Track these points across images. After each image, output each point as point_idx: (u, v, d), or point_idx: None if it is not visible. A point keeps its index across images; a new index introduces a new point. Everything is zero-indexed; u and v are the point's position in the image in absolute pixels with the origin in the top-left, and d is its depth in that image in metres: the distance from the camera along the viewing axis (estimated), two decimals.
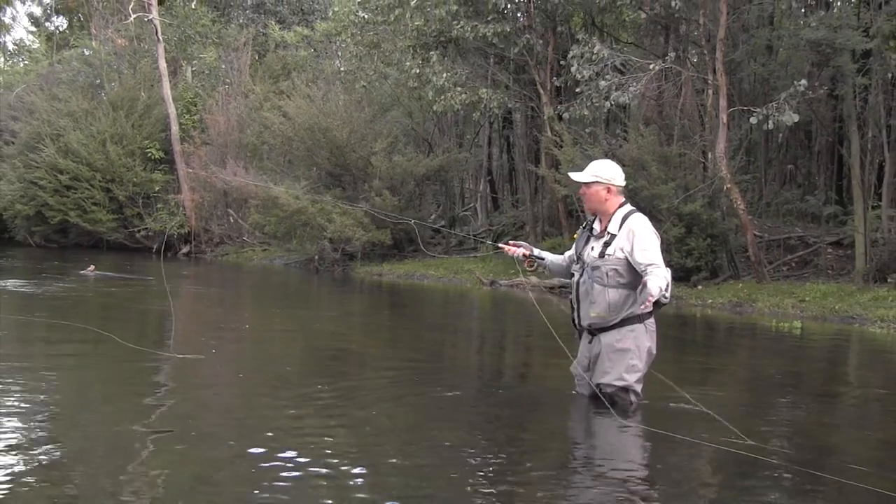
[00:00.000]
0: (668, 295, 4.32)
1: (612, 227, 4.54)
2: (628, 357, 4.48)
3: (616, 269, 4.47)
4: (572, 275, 4.75)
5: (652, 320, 4.56)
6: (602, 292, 4.48)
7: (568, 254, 4.94)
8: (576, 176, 4.73)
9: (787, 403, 5.20)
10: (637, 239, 4.42)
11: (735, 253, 13.70)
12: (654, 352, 4.57)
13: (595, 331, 4.59)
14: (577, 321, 4.71)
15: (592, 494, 3.29)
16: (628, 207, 4.62)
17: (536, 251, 4.99)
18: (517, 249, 4.96)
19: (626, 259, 4.44)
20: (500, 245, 5.13)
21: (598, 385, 4.57)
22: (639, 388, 4.53)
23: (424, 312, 11.68)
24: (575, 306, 4.67)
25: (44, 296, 11.08)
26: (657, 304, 4.30)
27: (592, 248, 4.59)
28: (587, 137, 14.71)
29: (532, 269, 5.04)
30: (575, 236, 4.92)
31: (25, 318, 8.29)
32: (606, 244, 4.51)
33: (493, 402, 5.00)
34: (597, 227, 4.68)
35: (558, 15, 16.09)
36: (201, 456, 3.65)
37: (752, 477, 3.54)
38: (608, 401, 4.52)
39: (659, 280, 4.19)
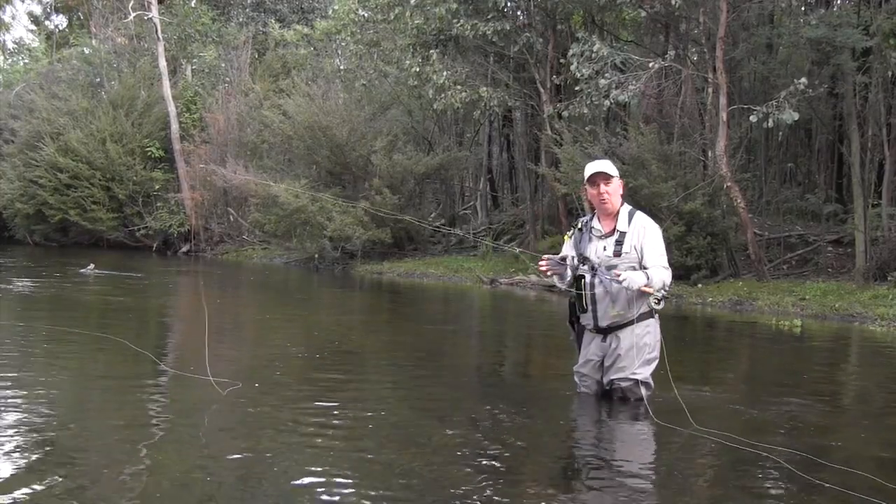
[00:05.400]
0: (668, 287, 4.64)
1: (622, 225, 4.59)
2: (646, 351, 4.60)
3: (633, 267, 4.53)
4: (581, 276, 4.63)
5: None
6: (621, 290, 4.51)
7: (563, 257, 4.78)
8: (604, 165, 4.62)
9: (787, 402, 5.20)
10: (649, 238, 4.55)
11: (735, 251, 13.70)
12: None
13: (612, 329, 4.60)
14: (591, 322, 4.66)
15: (593, 492, 3.29)
16: (627, 205, 4.71)
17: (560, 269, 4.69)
18: (553, 269, 4.65)
19: (638, 256, 4.54)
20: (541, 265, 4.68)
21: (612, 381, 4.63)
22: (651, 381, 4.64)
23: (425, 311, 11.68)
24: (589, 307, 4.60)
25: (53, 296, 11.09)
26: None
27: (605, 248, 4.57)
28: (587, 136, 14.70)
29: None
30: (567, 237, 4.83)
31: (41, 324, 8.29)
32: (619, 242, 4.54)
33: (494, 401, 5.00)
34: (598, 226, 4.66)
35: (558, 13, 16.08)
36: (200, 457, 3.66)
37: (752, 475, 3.54)
38: (620, 395, 4.61)
39: (664, 275, 4.49)
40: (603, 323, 4.60)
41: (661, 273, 4.48)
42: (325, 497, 3.09)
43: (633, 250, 4.52)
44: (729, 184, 12.54)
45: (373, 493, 3.16)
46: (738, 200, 12.66)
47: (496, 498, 3.16)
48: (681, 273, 13.09)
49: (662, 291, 4.55)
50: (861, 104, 13.79)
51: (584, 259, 4.64)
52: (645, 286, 4.42)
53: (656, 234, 4.59)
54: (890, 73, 13.06)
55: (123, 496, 3.04)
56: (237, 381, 4.97)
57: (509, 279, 14.98)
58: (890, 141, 13.14)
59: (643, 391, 4.59)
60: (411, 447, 3.83)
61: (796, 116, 11.76)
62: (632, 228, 4.56)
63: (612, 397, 4.66)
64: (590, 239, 4.66)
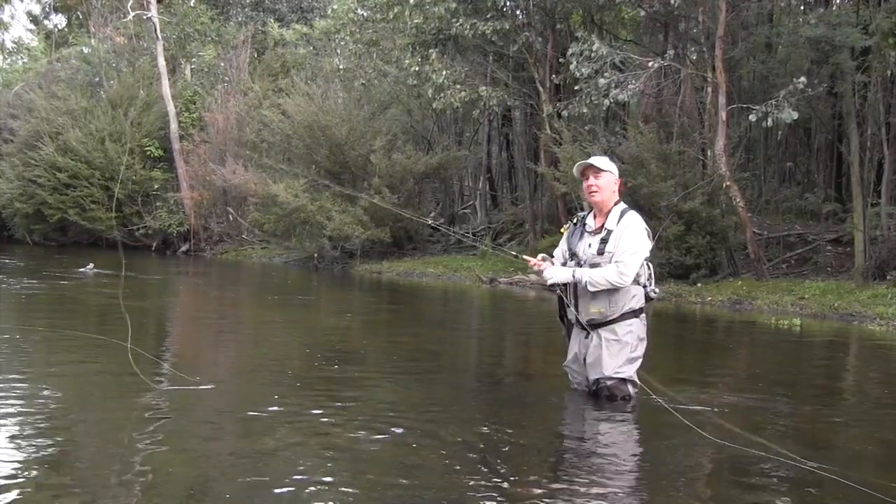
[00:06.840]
0: (657, 290, 4.71)
1: (611, 223, 4.57)
2: (628, 350, 4.58)
3: None
4: None
5: (643, 313, 4.70)
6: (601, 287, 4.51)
7: (558, 252, 4.87)
8: (597, 160, 4.62)
9: (787, 401, 5.20)
10: (626, 235, 4.49)
11: (734, 250, 13.72)
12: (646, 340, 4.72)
13: (593, 325, 4.61)
14: (574, 317, 4.69)
15: (592, 491, 3.29)
16: (623, 204, 4.69)
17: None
18: (542, 265, 4.76)
19: None
20: (526, 258, 4.89)
21: (597, 379, 4.62)
22: (636, 378, 4.65)
23: (424, 310, 11.67)
24: (571, 303, 4.64)
25: (53, 296, 11.07)
26: (648, 298, 4.64)
27: (590, 245, 4.58)
28: (586, 135, 14.72)
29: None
30: (563, 230, 4.87)
31: (40, 325, 8.26)
32: (604, 241, 4.53)
33: (494, 400, 5.00)
34: (591, 222, 4.68)
35: (557, 12, 16.09)
36: (199, 458, 3.66)
37: (752, 474, 3.54)
38: (607, 394, 4.59)
39: (607, 273, 4.44)
40: (584, 319, 4.62)
41: (604, 271, 4.44)
42: (323, 498, 3.09)
43: (616, 249, 4.51)
44: (728, 183, 12.54)
45: (371, 492, 3.16)
46: (738, 199, 12.67)
47: (495, 498, 3.16)
48: (680, 272, 13.12)
49: (653, 292, 4.66)
50: (860, 103, 13.80)
51: (573, 254, 4.67)
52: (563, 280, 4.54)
53: (634, 233, 4.50)
54: (889, 72, 13.08)
55: (122, 496, 3.04)
56: (237, 384, 4.97)
57: (508, 278, 14.99)
58: (889, 140, 13.15)
59: (630, 389, 4.61)
60: (409, 446, 3.83)
61: (795, 115, 11.77)
62: (618, 228, 4.53)
63: (598, 396, 4.66)
64: (581, 235, 4.68)
